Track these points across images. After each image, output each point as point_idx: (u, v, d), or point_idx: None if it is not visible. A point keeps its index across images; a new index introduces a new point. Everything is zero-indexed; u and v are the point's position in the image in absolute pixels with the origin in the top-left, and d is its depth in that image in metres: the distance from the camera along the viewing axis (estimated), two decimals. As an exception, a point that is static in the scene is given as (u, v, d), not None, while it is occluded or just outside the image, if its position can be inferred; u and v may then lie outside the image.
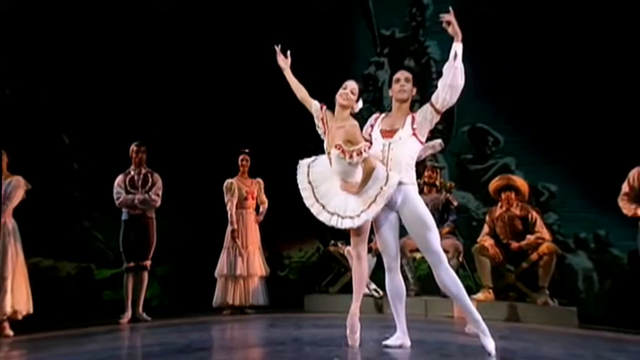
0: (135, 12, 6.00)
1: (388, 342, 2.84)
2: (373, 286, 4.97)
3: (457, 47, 2.68)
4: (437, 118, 2.78)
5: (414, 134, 2.77)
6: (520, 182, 4.89)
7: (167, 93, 6.00)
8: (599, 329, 4.20)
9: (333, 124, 2.86)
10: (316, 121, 2.97)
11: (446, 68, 2.71)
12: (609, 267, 5.27)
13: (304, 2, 6.43)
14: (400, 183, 2.72)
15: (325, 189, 2.80)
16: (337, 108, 2.87)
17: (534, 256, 4.59)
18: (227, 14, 6.37)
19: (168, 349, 2.89)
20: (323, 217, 2.73)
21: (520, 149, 5.85)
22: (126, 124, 5.61)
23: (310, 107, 2.99)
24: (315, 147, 3.02)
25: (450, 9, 2.68)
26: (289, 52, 3.11)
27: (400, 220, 2.80)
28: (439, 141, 3.01)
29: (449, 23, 2.68)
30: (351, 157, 2.70)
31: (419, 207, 2.73)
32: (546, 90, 5.56)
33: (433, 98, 2.76)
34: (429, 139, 2.91)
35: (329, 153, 2.85)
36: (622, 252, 5.14)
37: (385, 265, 2.87)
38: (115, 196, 4.59)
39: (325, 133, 2.91)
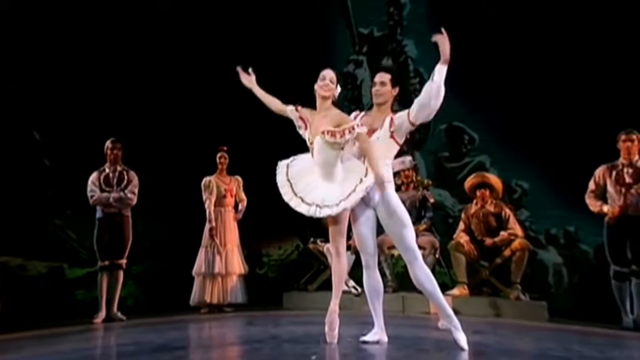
0: (109, 9, 5.85)
1: (366, 338, 2.88)
2: (352, 283, 5.01)
3: (439, 69, 2.66)
4: (411, 128, 2.81)
5: (392, 137, 2.81)
6: (494, 179, 5.01)
7: (143, 88, 5.88)
8: (567, 322, 4.35)
9: (315, 115, 2.87)
10: (296, 122, 2.94)
11: (425, 87, 2.71)
12: (578, 262, 5.47)
13: (283, 1, 6.41)
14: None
15: (305, 183, 2.80)
16: (318, 100, 2.87)
17: (507, 252, 4.71)
18: (204, 14, 6.29)
19: (144, 348, 2.85)
20: (302, 208, 2.73)
21: (494, 147, 6.00)
22: (101, 119, 5.47)
23: (288, 114, 2.96)
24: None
25: (443, 30, 2.65)
26: (251, 69, 3.05)
27: (377, 217, 2.83)
28: (409, 158, 3.05)
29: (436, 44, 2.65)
30: (343, 135, 2.71)
31: (396, 205, 2.76)
32: (520, 91, 5.70)
33: (411, 110, 2.76)
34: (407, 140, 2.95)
35: (311, 143, 2.83)
36: (589, 247, 5.34)
37: (363, 263, 2.90)
38: (89, 194, 4.48)
39: (306, 128, 2.89)
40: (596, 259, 5.09)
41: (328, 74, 2.86)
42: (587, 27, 5.40)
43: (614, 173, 4.21)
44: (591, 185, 4.32)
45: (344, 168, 2.80)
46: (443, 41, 2.67)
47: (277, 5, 6.36)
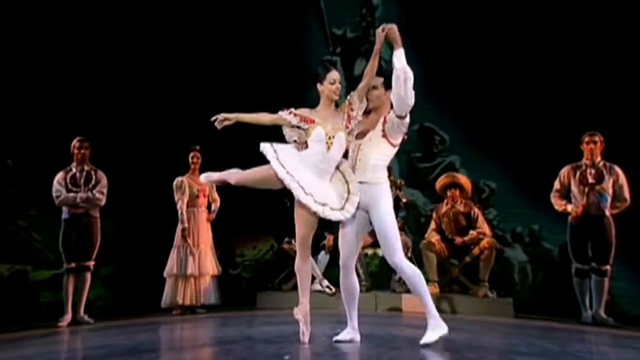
0: (80, 7, 5.68)
1: (339, 337, 2.91)
2: (326, 283, 5.04)
3: (396, 54, 2.70)
4: (403, 123, 2.78)
5: (384, 136, 2.81)
6: (464, 179, 5.14)
7: (112, 85, 5.73)
8: (531, 318, 4.52)
9: (322, 113, 2.85)
10: (295, 123, 2.84)
11: (393, 78, 2.73)
12: (541, 259, 5.68)
13: (257, 1, 6.38)
14: (363, 182, 2.79)
15: (305, 178, 2.75)
16: (326, 101, 2.88)
17: (476, 250, 4.84)
18: (173, 15, 6.19)
19: (113, 352, 2.79)
20: (315, 208, 2.70)
21: (464, 148, 6.15)
22: (67, 117, 5.29)
23: (284, 120, 2.86)
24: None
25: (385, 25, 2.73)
26: (218, 118, 2.93)
27: (367, 219, 2.83)
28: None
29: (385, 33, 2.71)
30: (352, 109, 2.84)
31: (383, 206, 2.76)
32: (489, 94, 5.87)
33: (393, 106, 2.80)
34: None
35: (330, 138, 2.79)
36: (553, 245, 5.55)
37: (341, 262, 2.91)
38: (54, 194, 4.34)
39: (313, 123, 2.82)
40: (560, 257, 5.29)
41: (338, 77, 2.88)
42: (551, 32, 5.60)
43: (577, 173, 4.39)
44: (556, 185, 4.48)
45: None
46: (390, 31, 2.73)
47: (251, 6, 6.32)
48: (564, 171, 4.47)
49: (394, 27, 2.73)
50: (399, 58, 2.70)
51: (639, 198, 4.29)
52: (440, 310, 4.57)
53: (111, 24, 5.83)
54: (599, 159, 4.35)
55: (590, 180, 4.30)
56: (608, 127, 4.46)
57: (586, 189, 4.30)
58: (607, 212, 4.25)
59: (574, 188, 4.39)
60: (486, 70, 5.88)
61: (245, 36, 6.27)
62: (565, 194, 4.45)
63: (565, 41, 5.50)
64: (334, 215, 2.72)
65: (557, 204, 4.45)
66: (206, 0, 6.29)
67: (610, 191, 4.27)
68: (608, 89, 5.18)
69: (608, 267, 4.22)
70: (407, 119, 2.81)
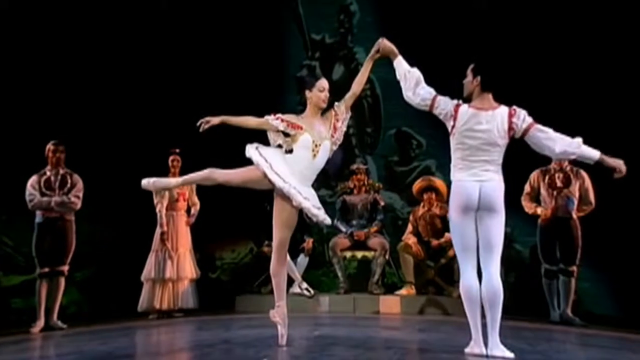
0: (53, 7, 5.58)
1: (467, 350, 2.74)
2: (305, 285, 5.07)
3: (394, 65, 2.89)
4: (439, 114, 2.94)
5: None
6: (439, 183, 5.26)
7: (88, 87, 5.64)
8: (503, 318, 4.63)
9: (308, 119, 2.87)
10: (282, 129, 2.83)
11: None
12: (513, 261, 5.84)
13: (237, 6, 6.39)
14: None
15: (295, 182, 2.78)
16: (314, 108, 2.89)
17: (451, 252, 4.93)
18: (153, 15, 6.14)
19: (86, 357, 2.75)
20: (315, 212, 2.77)
21: (440, 152, 6.27)
22: (40, 119, 5.18)
23: (271, 125, 2.85)
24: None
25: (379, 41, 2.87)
26: (203, 122, 2.89)
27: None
28: None
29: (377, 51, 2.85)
30: (338, 118, 2.93)
31: None
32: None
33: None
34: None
35: (316, 146, 2.82)
36: (524, 247, 5.71)
37: (470, 266, 2.73)
38: (27, 198, 4.23)
39: (300, 129, 2.83)
40: (531, 258, 5.45)
41: (327, 85, 2.91)
42: (524, 40, 5.75)
43: (546, 177, 4.55)
44: (527, 188, 4.64)
45: None
46: (383, 45, 2.87)
47: (231, 10, 6.33)
48: (534, 175, 4.62)
49: (383, 45, 2.88)
50: (396, 68, 2.89)
51: (603, 201, 4.48)
52: (417, 311, 4.71)
53: (87, 28, 5.74)
54: (566, 163, 4.51)
55: (559, 184, 4.47)
56: (575, 133, 4.62)
57: (555, 193, 4.46)
58: (574, 215, 4.42)
59: (543, 191, 4.54)
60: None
61: (225, 40, 6.27)
62: (535, 197, 4.60)
63: (540, 49, 5.67)
64: (327, 220, 2.80)
65: (528, 206, 4.60)
66: (185, 5, 6.27)
67: (577, 195, 4.44)
68: (577, 95, 5.37)
69: (575, 268, 4.38)
70: (445, 106, 2.94)
